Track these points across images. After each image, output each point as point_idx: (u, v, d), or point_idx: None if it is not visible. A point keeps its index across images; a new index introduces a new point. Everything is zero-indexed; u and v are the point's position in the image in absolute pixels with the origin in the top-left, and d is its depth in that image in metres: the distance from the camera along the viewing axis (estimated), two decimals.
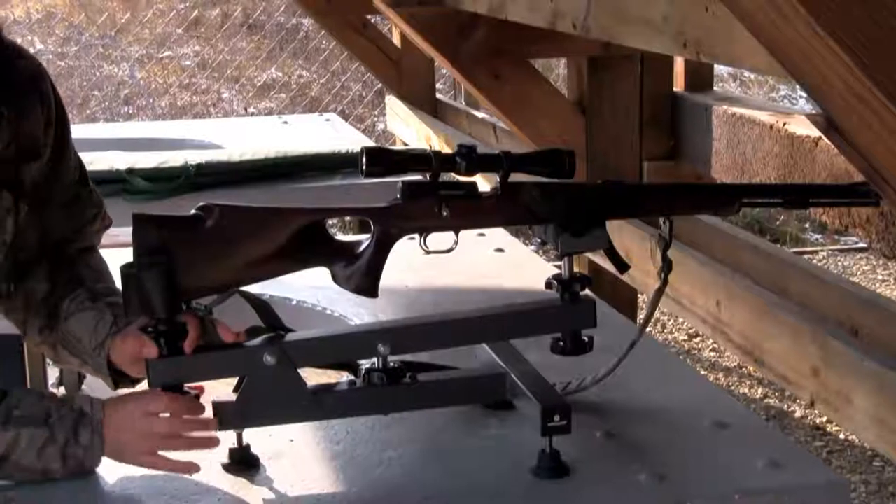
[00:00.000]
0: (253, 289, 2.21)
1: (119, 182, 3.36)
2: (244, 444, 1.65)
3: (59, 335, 1.88)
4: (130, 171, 3.40)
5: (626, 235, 3.21)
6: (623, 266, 1.74)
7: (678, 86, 3.85)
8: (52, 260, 1.89)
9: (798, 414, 4.57)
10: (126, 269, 1.57)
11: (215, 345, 1.62)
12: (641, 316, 4.22)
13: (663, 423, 1.78)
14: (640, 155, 3.80)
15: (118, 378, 1.78)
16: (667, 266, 1.72)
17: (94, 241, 1.98)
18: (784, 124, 2.95)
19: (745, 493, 1.57)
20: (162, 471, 1.62)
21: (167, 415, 1.62)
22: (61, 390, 2.72)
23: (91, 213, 1.94)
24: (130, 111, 9.44)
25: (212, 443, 1.62)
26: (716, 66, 3.88)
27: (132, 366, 1.71)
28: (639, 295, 3.96)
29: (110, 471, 1.64)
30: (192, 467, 1.62)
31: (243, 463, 1.65)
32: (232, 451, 1.65)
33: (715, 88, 3.95)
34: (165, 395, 1.63)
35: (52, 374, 2.91)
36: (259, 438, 1.68)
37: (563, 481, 1.59)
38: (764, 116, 3.11)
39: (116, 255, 2.61)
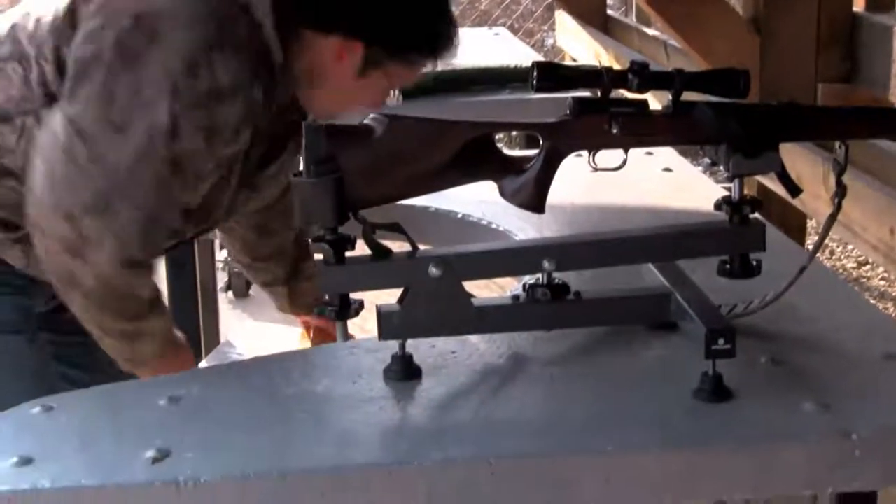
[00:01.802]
0: (419, 201, 2.23)
1: None
2: (407, 354, 1.67)
3: (291, 285, 2.50)
4: None
5: (797, 159, 3.14)
6: (795, 190, 1.70)
7: (858, 5, 3.73)
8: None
9: None
10: (296, 178, 1.59)
11: (381, 255, 1.63)
12: (810, 241, 4.15)
13: (830, 352, 1.74)
14: (816, 77, 3.71)
15: None
16: (841, 191, 1.68)
17: None
18: None
19: None
20: None
21: None
22: (229, 294, 2.79)
23: None
24: None
25: None
26: None
27: None
28: (808, 220, 3.88)
29: (261, 375, 1.68)
30: None
31: (405, 372, 1.66)
32: (394, 361, 1.67)
33: None
34: None
35: (221, 278, 2.99)
36: (421, 349, 1.70)
37: (725, 405, 1.57)
38: None
39: None
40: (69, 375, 2.23)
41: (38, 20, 2.03)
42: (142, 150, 1.88)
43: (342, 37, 1.97)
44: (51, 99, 1.98)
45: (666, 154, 2.74)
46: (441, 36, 2.03)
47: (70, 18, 1.97)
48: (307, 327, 2.72)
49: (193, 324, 3.25)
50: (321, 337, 2.62)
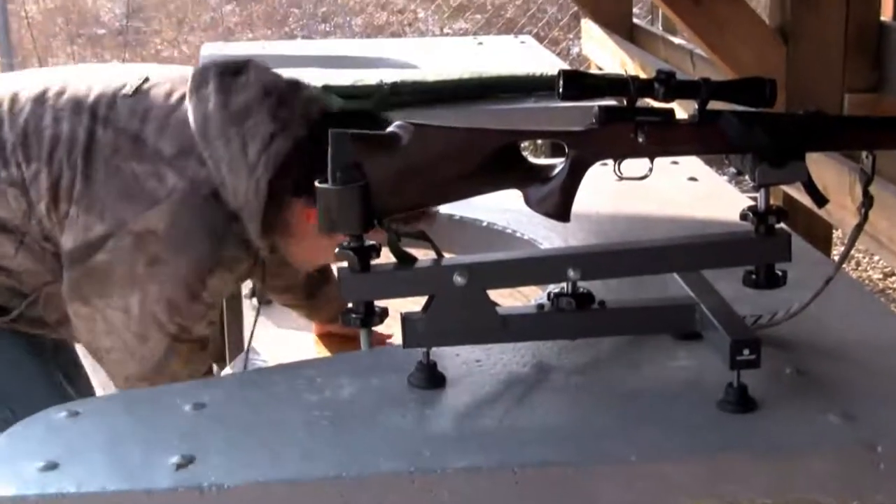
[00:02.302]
0: (444, 209, 2.23)
1: None
2: (431, 362, 1.67)
3: (310, 306, 2.66)
4: (326, 87, 3.44)
5: (824, 169, 3.13)
6: (821, 200, 1.70)
7: (886, 14, 3.73)
8: None
9: None
10: (321, 185, 1.59)
11: (406, 263, 1.63)
12: (836, 251, 4.14)
13: (856, 363, 1.74)
14: (843, 86, 3.70)
15: None
16: (868, 202, 1.67)
17: None
18: None
19: None
20: None
21: None
22: (253, 301, 2.80)
23: None
24: (327, 29, 9.56)
25: None
26: None
27: None
28: (834, 230, 3.87)
29: (285, 382, 1.68)
30: None
31: (429, 380, 1.67)
32: (419, 369, 1.67)
33: None
34: None
35: (246, 284, 2.99)
36: (446, 357, 1.70)
37: (749, 416, 1.57)
38: None
39: None
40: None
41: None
42: (167, 351, 2.13)
43: (310, 197, 2.04)
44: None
45: (691, 163, 2.73)
46: None
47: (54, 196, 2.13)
48: (321, 334, 2.74)
49: (218, 330, 3.27)
50: (336, 343, 2.65)
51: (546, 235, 2.30)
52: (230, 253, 2.07)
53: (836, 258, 1.76)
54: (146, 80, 2.19)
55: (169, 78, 2.18)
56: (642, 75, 1.65)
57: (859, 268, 5.32)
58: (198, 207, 2.02)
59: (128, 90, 2.15)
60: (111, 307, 2.08)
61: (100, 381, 2.60)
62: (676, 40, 5.18)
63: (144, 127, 2.10)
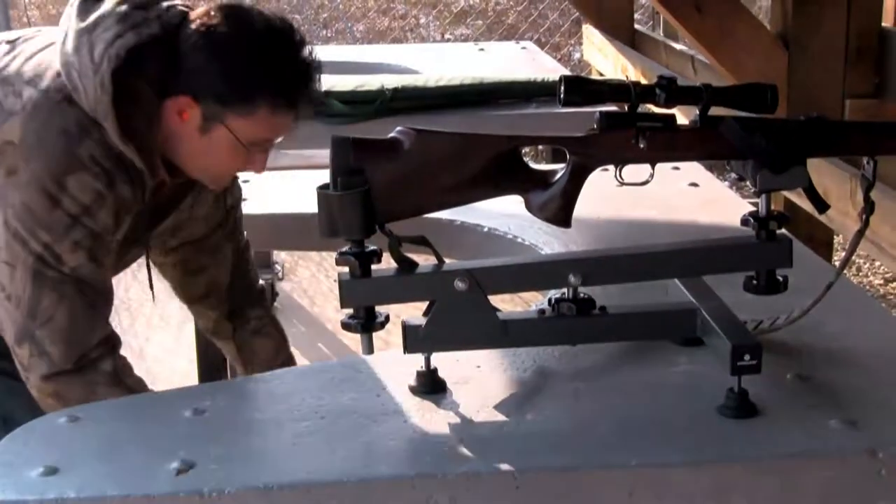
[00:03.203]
0: (444, 214, 2.23)
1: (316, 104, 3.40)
2: (432, 367, 1.67)
3: (238, 337, 2.51)
4: (327, 93, 3.43)
5: (825, 174, 3.13)
6: (822, 206, 1.70)
7: (887, 21, 3.73)
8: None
9: None
10: (322, 190, 1.59)
11: (406, 268, 1.63)
12: (837, 257, 4.14)
13: (857, 368, 1.74)
14: (844, 92, 3.70)
15: None
16: (869, 207, 1.68)
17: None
18: None
19: None
20: None
21: None
22: None
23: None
24: (329, 35, 9.57)
25: None
26: None
27: None
28: (835, 236, 3.87)
29: (285, 388, 1.68)
30: None
31: (430, 386, 1.66)
32: (419, 375, 1.67)
33: None
34: None
35: None
36: (446, 363, 1.70)
37: (750, 422, 1.57)
38: None
39: (311, 176, 2.67)
40: None
41: None
42: (32, 282, 2.01)
43: (176, 95, 2.02)
44: None
45: (692, 169, 2.73)
46: (285, 81, 2.03)
47: None
48: None
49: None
50: None
51: (547, 241, 2.30)
52: (88, 152, 2.00)
53: (838, 264, 1.76)
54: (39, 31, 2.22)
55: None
56: (643, 81, 1.65)
57: (860, 273, 5.32)
58: (50, 112, 2.00)
59: (12, 37, 2.19)
60: None
61: None
62: (678, 46, 5.18)
63: (12, 62, 2.11)
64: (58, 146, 1.99)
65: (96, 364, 2.05)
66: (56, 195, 1.98)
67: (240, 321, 2.51)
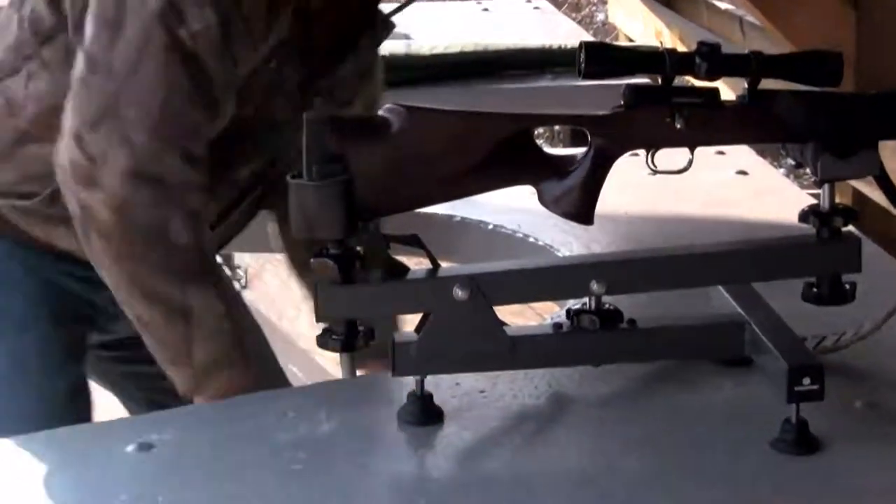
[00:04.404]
0: (441, 209, 2.23)
1: None
2: (426, 393, 1.67)
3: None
4: None
5: None
6: None
7: None
8: None
9: None
10: (294, 180, 1.59)
11: (395, 274, 1.64)
12: None
13: None
14: None
15: None
16: None
17: None
18: None
19: None
20: None
21: None
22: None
23: None
24: None
25: None
26: None
27: None
28: None
29: (250, 417, 1.69)
30: None
31: (423, 415, 1.67)
32: (411, 402, 1.67)
33: None
34: None
35: None
36: (443, 388, 1.70)
37: (810, 458, 1.58)
38: None
39: None
40: None
41: None
42: (140, 41, 1.90)
43: None
44: (45, 38, 2.04)
45: (741, 154, 2.74)
46: None
47: None
48: None
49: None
50: None
51: (564, 241, 2.31)
52: None
53: None
54: None
55: None
56: (681, 48, 1.66)
57: None
58: None
59: None
60: None
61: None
62: (723, 5, 5.19)
63: None
64: None
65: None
66: None
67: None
